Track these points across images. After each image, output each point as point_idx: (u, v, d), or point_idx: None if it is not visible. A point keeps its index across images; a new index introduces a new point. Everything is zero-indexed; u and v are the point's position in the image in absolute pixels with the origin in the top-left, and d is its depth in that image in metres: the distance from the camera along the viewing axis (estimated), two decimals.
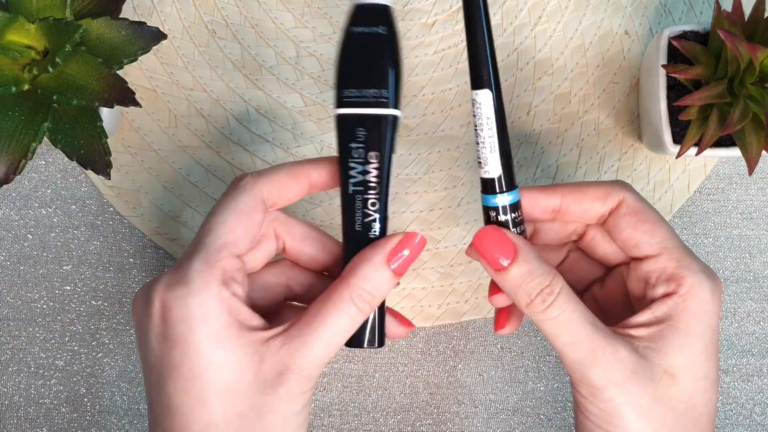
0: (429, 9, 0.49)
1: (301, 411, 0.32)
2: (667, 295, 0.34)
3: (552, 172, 0.49)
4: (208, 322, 0.31)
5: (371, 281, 0.33)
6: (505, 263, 0.33)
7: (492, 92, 0.34)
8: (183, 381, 0.31)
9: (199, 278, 0.31)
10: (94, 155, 0.40)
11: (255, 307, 0.35)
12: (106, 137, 0.40)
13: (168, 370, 0.31)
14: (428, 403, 0.49)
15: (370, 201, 0.34)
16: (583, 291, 0.40)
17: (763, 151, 0.41)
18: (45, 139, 0.39)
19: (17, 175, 0.39)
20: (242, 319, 0.32)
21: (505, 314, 0.38)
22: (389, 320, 0.37)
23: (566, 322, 0.32)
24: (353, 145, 0.34)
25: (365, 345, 0.35)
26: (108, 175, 0.40)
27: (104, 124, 0.40)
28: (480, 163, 0.35)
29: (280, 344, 0.32)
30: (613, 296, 0.38)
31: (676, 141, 0.44)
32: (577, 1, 0.49)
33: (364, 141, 0.34)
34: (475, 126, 0.35)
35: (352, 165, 0.34)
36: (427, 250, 0.49)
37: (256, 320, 0.33)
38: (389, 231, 0.35)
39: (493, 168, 0.35)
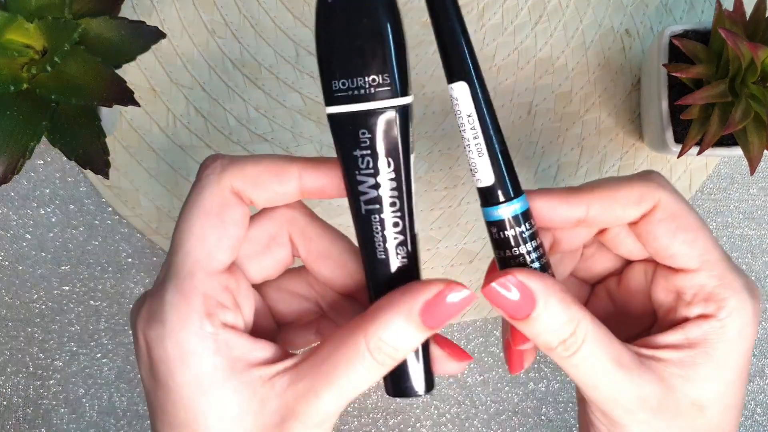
0: None
1: None
2: (703, 316, 0.29)
3: (553, 171, 0.49)
4: (188, 365, 0.26)
5: (394, 334, 0.26)
6: (523, 314, 0.28)
7: (470, 84, 0.27)
8: (169, 427, 0.27)
9: (173, 314, 0.26)
10: (92, 155, 0.39)
11: (283, 317, 0.30)
12: (105, 137, 0.40)
13: (154, 409, 0.27)
14: (428, 403, 0.49)
15: (391, 221, 0.27)
16: (596, 283, 0.35)
17: (765, 151, 0.41)
18: (43, 138, 0.39)
19: (16, 175, 0.39)
20: (238, 354, 0.27)
21: (520, 354, 0.32)
22: (439, 354, 0.29)
23: (590, 368, 0.28)
24: (357, 152, 0.26)
25: (409, 393, 0.28)
26: (106, 175, 0.40)
27: (103, 124, 0.40)
28: (471, 170, 0.28)
29: (287, 383, 0.26)
30: (632, 295, 0.33)
31: (677, 140, 0.43)
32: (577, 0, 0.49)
33: (371, 146, 0.26)
34: (459, 127, 0.28)
35: (361, 179, 0.26)
36: (427, 249, 0.49)
37: (259, 351, 0.27)
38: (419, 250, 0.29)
39: (485, 175, 0.28)
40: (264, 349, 0.27)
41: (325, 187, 0.28)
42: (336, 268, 0.30)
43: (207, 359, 0.26)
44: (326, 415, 0.26)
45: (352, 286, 0.30)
